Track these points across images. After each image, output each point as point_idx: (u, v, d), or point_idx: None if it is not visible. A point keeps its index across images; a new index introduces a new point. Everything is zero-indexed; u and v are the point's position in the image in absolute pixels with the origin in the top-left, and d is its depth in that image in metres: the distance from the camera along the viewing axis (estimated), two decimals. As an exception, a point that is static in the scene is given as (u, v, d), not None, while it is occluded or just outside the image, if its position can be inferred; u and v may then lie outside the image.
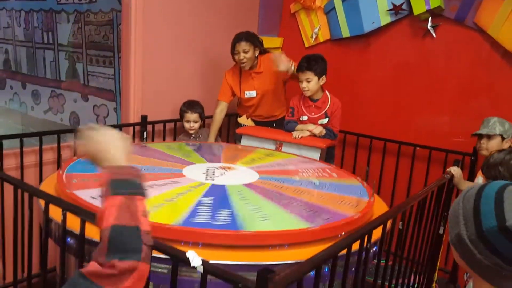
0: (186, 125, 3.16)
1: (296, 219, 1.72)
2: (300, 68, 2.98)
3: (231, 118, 3.67)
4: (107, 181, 0.97)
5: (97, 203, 1.69)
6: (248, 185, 2.08)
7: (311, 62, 2.95)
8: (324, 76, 2.99)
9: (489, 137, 2.55)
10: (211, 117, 3.35)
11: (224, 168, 2.33)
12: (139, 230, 0.90)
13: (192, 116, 3.14)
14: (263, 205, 1.84)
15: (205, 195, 1.89)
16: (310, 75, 2.95)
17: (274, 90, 3.33)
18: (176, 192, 1.90)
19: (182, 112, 3.17)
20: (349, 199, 2.00)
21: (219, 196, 1.91)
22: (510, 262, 0.89)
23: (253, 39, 3.21)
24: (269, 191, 2.03)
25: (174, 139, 3.34)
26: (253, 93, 3.32)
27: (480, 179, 2.36)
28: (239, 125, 3.45)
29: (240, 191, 1.98)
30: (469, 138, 3.06)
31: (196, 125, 3.16)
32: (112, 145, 1.09)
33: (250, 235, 1.58)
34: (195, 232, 1.55)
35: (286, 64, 3.10)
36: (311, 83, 2.96)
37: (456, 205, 0.98)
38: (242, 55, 3.17)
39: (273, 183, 2.15)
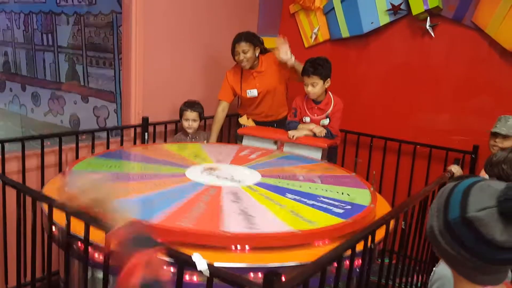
0: (185, 123, 3.14)
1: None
2: (306, 72, 2.97)
3: (231, 119, 3.67)
4: (124, 239, 0.98)
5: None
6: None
7: (317, 66, 2.94)
8: (329, 79, 2.99)
9: (505, 137, 2.53)
10: (212, 117, 3.35)
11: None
12: (163, 281, 0.95)
13: (191, 114, 3.11)
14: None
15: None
16: (316, 79, 2.95)
17: (276, 89, 3.34)
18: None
19: (181, 111, 3.16)
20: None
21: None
22: (472, 253, 0.92)
23: (253, 39, 3.22)
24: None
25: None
26: (254, 92, 3.32)
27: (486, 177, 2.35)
28: (239, 125, 3.45)
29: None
30: (469, 136, 3.08)
31: (195, 124, 3.13)
32: (110, 196, 1.07)
33: (255, 237, 1.59)
34: (200, 234, 1.56)
35: (285, 53, 3.09)
36: (316, 87, 2.96)
37: (436, 199, 1.03)
38: (241, 55, 3.18)
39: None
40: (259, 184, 2.14)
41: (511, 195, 0.89)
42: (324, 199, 2.00)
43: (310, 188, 2.16)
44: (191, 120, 3.12)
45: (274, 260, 1.53)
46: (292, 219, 1.75)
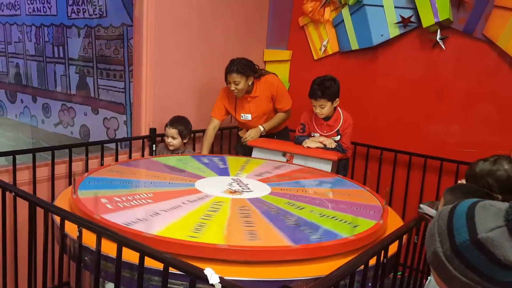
0: (166, 140, 3.06)
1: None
2: (314, 96, 2.95)
3: (232, 131, 3.70)
4: None
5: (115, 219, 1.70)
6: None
7: (325, 89, 2.91)
8: (337, 99, 2.97)
9: None
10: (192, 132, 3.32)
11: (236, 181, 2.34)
12: None
13: (170, 131, 3.01)
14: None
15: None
16: (324, 102, 2.93)
17: (268, 112, 3.34)
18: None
19: (164, 127, 3.07)
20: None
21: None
22: (484, 276, 0.89)
23: (245, 70, 3.13)
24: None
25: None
26: (248, 117, 3.32)
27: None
28: (239, 137, 3.45)
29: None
30: (480, 148, 3.05)
31: (175, 142, 3.01)
32: None
33: (267, 251, 1.58)
34: (208, 248, 1.55)
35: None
36: (325, 108, 2.95)
37: (432, 224, 1.00)
38: (233, 86, 3.14)
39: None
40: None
41: None
42: (305, 223, 1.85)
43: (311, 211, 2.00)
44: (170, 137, 3.01)
45: (285, 274, 1.52)
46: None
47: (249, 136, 3.26)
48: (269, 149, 3.08)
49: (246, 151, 3.26)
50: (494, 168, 1.75)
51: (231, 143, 3.74)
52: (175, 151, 3.06)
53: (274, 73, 3.40)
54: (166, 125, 3.03)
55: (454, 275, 0.93)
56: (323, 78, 2.97)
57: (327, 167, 2.87)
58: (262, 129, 3.29)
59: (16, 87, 5.07)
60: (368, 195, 2.34)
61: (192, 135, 3.26)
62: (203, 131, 3.31)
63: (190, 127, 3.09)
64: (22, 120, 5.02)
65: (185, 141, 3.07)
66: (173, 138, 3.00)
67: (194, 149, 3.34)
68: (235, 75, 3.10)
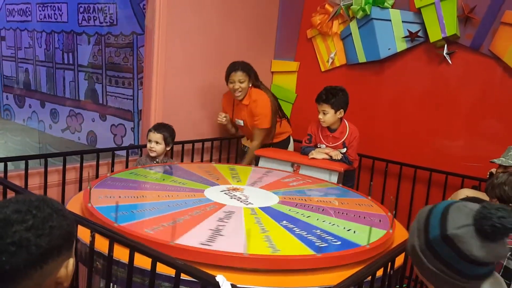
0: (148, 145, 2.87)
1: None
2: (318, 99, 3.00)
3: (231, 141, 3.74)
4: None
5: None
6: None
7: (329, 95, 2.96)
8: (342, 110, 3.00)
9: (505, 167, 2.54)
10: (200, 141, 3.43)
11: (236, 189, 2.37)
12: None
13: (154, 136, 2.83)
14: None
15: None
16: (326, 107, 2.97)
17: (252, 126, 3.35)
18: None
19: (147, 132, 2.92)
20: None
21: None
22: (453, 269, 1.00)
23: (250, 69, 3.21)
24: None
25: (192, 161, 3.38)
26: (241, 122, 3.38)
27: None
28: (241, 147, 3.48)
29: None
30: (485, 163, 3.07)
31: (158, 148, 2.84)
32: None
33: (277, 259, 1.60)
34: (223, 256, 1.57)
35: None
36: (327, 115, 2.99)
37: (414, 221, 1.12)
38: (237, 84, 3.17)
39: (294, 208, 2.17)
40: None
41: (486, 214, 0.97)
42: (318, 232, 1.88)
43: (317, 220, 2.04)
44: (153, 142, 2.84)
45: (296, 283, 1.54)
46: (260, 245, 1.68)
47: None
48: (275, 159, 3.11)
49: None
50: (511, 178, 1.89)
51: (230, 152, 3.79)
52: (155, 159, 2.90)
53: (269, 91, 3.42)
54: (150, 130, 2.88)
55: (427, 266, 1.04)
56: (334, 86, 3.04)
57: (334, 178, 2.89)
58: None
59: (24, 92, 5.12)
60: (373, 205, 2.36)
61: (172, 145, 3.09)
62: (214, 139, 3.44)
63: (174, 135, 2.95)
64: (30, 125, 5.07)
65: (168, 148, 2.93)
66: (157, 143, 2.84)
67: (172, 158, 3.22)
68: (241, 73, 3.16)
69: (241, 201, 2.17)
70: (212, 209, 2.02)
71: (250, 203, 2.16)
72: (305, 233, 1.84)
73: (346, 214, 2.16)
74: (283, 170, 3.01)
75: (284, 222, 1.94)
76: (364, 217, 2.13)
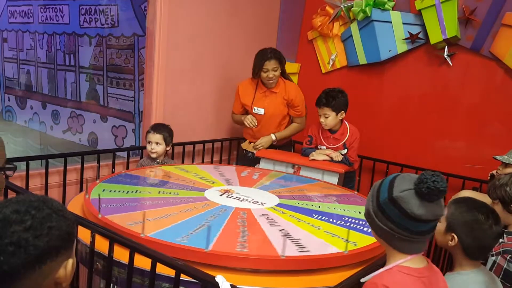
0: (148, 147, 2.87)
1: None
2: (318, 103, 3.00)
3: (232, 143, 3.74)
4: None
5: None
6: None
7: (329, 98, 2.96)
8: (343, 112, 3.00)
9: (506, 164, 2.55)
10: (201, 142, 3.41)
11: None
12: None
13: (154, 136, 2.83)
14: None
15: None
16: (327, 110, 2.97)
17: (280, 116, 3.32)
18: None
19: (146, 134, 2.92)
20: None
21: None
22: (399, 226, 1.20)
23: (281, 57, 3.21)
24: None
25: (192, 162, 3.39)
26: (261, 111, 3.29)
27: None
28: (241, 149, 3.47)
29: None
30: (485, 164, 3.07)
31: (159, 148, 2.84)
32: None
33: (277, 260, 1.60)
34: (222, 256, 1.58)
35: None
36: (328, 118, 2.99)
37: (370, 191, 1.31)
38: (271, 73, 3.14)
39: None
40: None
41: (423, 179, 1.16)
42: (348, 219, 2.06)
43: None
44: (153, 143, 2.83)
45: (298, 283, 1.55)
46: (333, 240, 1.79)
47: (260, 144, 3.27)
48: (276, 161, 3.11)
49: (250, 162, 3.28)
50: None
51: (230, 154, 3.79)
52: (156, 160, 2.90)
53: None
54: (149, 132, 2.87)
55: (379, 226, 1.24)
56: (332, 88, 3.03)
57: (334, 180, 2.89)
58: (274, 138, 3.29)
59: (26, 93, 5.13)
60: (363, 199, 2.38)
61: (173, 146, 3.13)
62: (215, 141, 3.45)
63: (172, 134, 2.95)
64: (31, 126, 5.08)
65: (167, 148, 2.92)
66: (157, 144, 2.83)
67: (173, 158, 3.24)
68: (274, 61, 3.14)
69: (253, 202, 2.18)
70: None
71: (260, 203, 2.19)
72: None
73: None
74: (284, 171, 3.02)
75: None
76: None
